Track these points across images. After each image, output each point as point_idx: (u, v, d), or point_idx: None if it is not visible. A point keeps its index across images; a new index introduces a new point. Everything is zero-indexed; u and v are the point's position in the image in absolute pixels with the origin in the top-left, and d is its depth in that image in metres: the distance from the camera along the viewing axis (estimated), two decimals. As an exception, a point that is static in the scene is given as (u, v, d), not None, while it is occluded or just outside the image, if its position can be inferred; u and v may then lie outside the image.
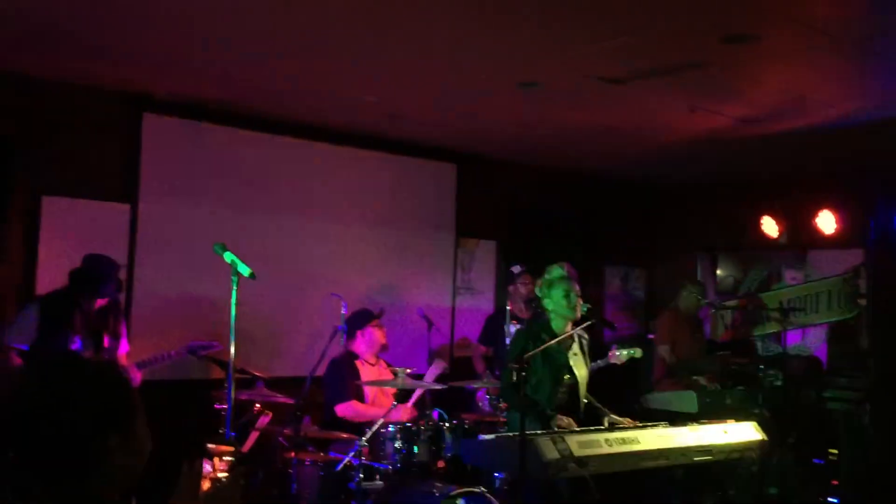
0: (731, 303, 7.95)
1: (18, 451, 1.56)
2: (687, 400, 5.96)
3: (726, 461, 4.47)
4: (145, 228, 5.55)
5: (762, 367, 6.42)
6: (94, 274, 4.53)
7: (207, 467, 1.85)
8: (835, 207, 6.91)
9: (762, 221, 7.32)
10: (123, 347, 4.81)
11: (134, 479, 1.64)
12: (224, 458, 1.79)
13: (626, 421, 4.41)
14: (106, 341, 4.57)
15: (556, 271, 4.47)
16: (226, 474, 1.84)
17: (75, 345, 4.44)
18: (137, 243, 5.52)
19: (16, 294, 5.13)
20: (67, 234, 5.18)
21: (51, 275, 5.05)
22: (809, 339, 7.59)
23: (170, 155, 5.70)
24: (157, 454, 1.74)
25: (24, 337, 4.37)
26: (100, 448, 1.57)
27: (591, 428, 4.18)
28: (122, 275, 5.35)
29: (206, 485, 1.85)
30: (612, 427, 4.26)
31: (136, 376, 4.61)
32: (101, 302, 4.61)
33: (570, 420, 4.27)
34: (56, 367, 1.64)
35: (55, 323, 4.40)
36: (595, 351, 4.73)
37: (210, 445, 1.75)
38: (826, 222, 6.95)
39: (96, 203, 5.38)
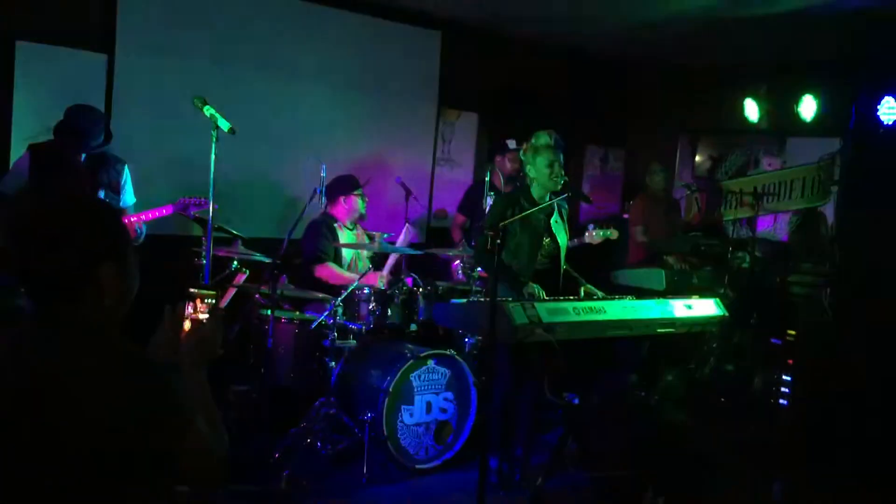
0: (705, 187, 8.05)
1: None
2: (655, 277, 6.12)
3: (687, 334, 4.64)
4: (123, 79, 5.43)
5: (731, 249, 6.56)
6: (80, 127, 4.45)
7: (189, 308, 1.90)
8: (818, 94, 6.91)
9: (744, 105, 7.31)
10: (129, 199, 4.80)
11: (125, 307, 1.70)
12: (205, 300, 1.86)
13: (599, 293, 4.54)
14: (100, 191, 4.53)
15: (543, 139, 4.48)
16: (206, 316, 1.90)
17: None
18: (114, 95, 5.42)
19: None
20: (42, 82, 5.07)
21: (26, 120, 4.99)
22: (780, 226, 7.74)
23: (147, 4, 5.52)
24: (141, 297, 1.79)
25: (16, 186, 4.34)
26: (95, 275, 1.61)
27: (561, 297, 4.31)
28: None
29: (187, 325, 1.91)
30: (583, 297, 4.40)
31: (143, 231, 4.69)
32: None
33: (538, 288, 4.38)
34: (52, 199, 1.66)
35: (47, 174, 4.35)
36: (571, 229, 4.81)
37: (191, 289, 1.80)
38: (807, 108, 6.96)
39: (72, 51, 5.24)
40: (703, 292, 5.25)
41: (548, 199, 4.48)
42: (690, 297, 4.68)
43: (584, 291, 4.51)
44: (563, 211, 4.66)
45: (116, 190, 4.69)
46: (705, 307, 4.67)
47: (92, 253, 1.61)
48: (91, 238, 1.61)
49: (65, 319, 1.60)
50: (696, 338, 5.42)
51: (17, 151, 4.80)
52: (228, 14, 5.87)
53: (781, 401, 5.78)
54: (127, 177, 4.77)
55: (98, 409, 1.49)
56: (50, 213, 1.61)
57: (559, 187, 4.47)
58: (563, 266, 4.62)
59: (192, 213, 4.73)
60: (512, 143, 6.32)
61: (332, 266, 5.22)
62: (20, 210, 1.64)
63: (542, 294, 4.33)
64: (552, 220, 4.53)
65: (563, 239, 4.58)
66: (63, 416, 1.49)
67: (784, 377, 6.00)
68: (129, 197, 4.80)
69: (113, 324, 1.67)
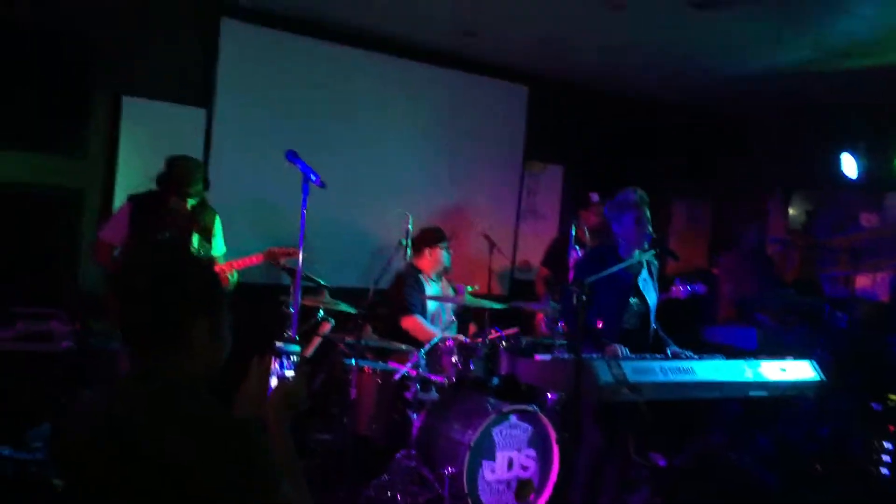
0: (801, 242, 7.78)
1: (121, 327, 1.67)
2: (747, 336, 5.93)
3: (781, 398, 4.45)
4: (220, 132, 5.66)
5: (827, 307, 6.31)
6: (180, 176, 4.60)
7: (275, 365, 1.92)
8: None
9: (840, 159, 7.08)
10: (219, 248, 4.87)
11: (214, 369, 1.74)
12: (292, 356, 1.87)
13: (687, 354, 4.40)
14: (194, 243, 4.65)
15: (630, 196, 4.41)
16: (292, 373, 1.92)
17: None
18: (212, 147, 5.64)
19: (97, 189, 5.33)
20: (145, 135, 5.32)
21: (129, 172, 5.23)
22: (880, 285, 7.41)
23: (247, 61, 5.76)
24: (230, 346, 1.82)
25: (116, 234, 4.52)
26: (188, 330, 1.65)
27: (647, 355, 4.20)
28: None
29: (273, 382, 1.93)
30: (669, 355, 4.27)
31: (234, 280, 4.74)
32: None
33: (623, 349, 4.28)
34: (161, 251, 1.72)
35: (145, 222, 4.51)
36: (660, 284, 4.70)
37: (279, 345, 1.83)
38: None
39: (174, 106, 5.49)
40: (798, 352, 5.05)
41: (636, 256, 4.39)
42: (785, 359, 4.49)
43: (670, 352, 4.37)
44: (653, 268, 4.56)
45: (208, 238, 4.82)
46: (801, 370, 4.47)
47: (186, 310, 1.65)
48: (187, 295, 1.66)
49: (156, 375, 1.64)
50: (791, 399, 5.19)
51: (121, 201, 5.01)
52: (320, 70, 6.07)
53: (882, 469, 5.48)
54: (218, 226, 4.90)
55: (185, 472, 1.51)
56: (149, 266, 1.67)
57: (646, 245, 4.38)
58: (653, 326, 4.50)
59: (281, 262, 4.81)
60: (596, 197, 6.27)
61: (418, 318, 5.24)
62: (122, 262, 1.70)
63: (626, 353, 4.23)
64: (640, 279, 4.43)
65: (652, 298, 4.47)
66: (151, 477, 1.51)
67: (885, 444, 5.70)
68: (220, 246, 4.93)
69: (203, 381, 1.70)
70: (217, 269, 4.56)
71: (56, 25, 5.06)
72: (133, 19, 5.34)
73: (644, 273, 4.46)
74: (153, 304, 1.63)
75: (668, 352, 4.36)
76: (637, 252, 4.39)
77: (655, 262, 4.62)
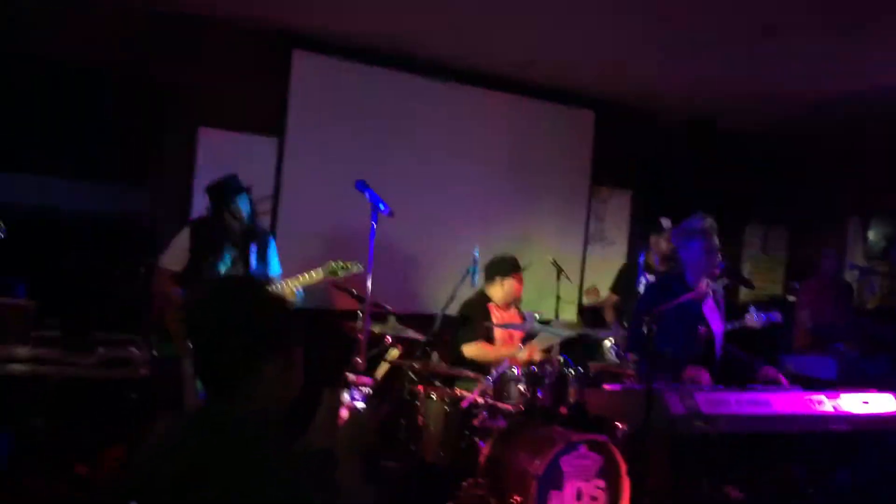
0: (881, 268, 7.51)
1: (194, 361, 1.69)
2: (825, 365, 5.73)
3: (865, 433, 4.29)
4: (291, 161, 5.78)
5: (910, 337, 6.07)
6: (223, 185, 4.66)
7: (346, 396, 1.93)
8: None
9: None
10: (275, 270, 4.88)
11: (286, 403, 1.75)
12: (362, 388, 1.87)
13: (782, 377, 4.28)
14: (252, 262, 4.71)
15: (698, 223, 4.33)
16: (363, 404, 1.92)
17: (223, 263, 4.60)
18: (283, 175, 5.75)
19: (173, 218, 5.48)
20: (220, 164, 5.45)
21: (204, 200, 5.35)
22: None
23: (317, 91, 5.88)
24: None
25: (176, 261, 4.59)
26: (261, 368, 1.67)
27: (722, 386, 4.10)
28: (269, 205, 5.62)
29: (344, 413, 1.94)
30: (744, 386, 4.15)
31: (300, 295, 4.73)
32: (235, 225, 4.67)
33: (705, 371, 4.19)
34: (226, 290, 1.74)
35: (205, 246, 4.58)
36: (732, 311, 4.59)
37: (350, 375, 1.83)
38: None
39: (247, 135, 5.63)
40: (880, 384, 4.85)
41: (703, 284, 4.31)
42: (868, 391, 4.33)
43: (763, 379, 4.25)
44: (719, 295, 4.47)
45: (265, 260, 4.84)
46: (885, 403, 4.30)
47: (258, 349, 1.66)
48: (258, 335, 1.66)
49: (227, 410, 1.65)
50: (876, 435, 4.99)
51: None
52: (387, 98, 6.16)
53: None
54: (273, 249, 4.92)
55: None
56: (221, 304, 1.68)
57: (715, 273, 4.29)
58: (719, 354, 4.40)
59: (340, 276, 4.84)
60: (667, 223, 6.17)
61: (483, 345, 5.22)
62: (194, 299, 1.73)
63: (704, 379, 4.14)
64: (706, 307, 4.34)
65: (718, 326, 4.38)
66: None
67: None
68: (275, 267, 4.95)
69: (274, 418, 1.72)
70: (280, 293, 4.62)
71: (137, 64, 5.25)
72: (210, 54, 5.51)
73: (710, 301, 4.37)
74: (224, 344, 1.65)
75: (762, 375, 4.25)
76: (704, 281, 4.31)
77: (721, 289, 4.52)
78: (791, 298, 6.97)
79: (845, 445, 5.26)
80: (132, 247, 5.48)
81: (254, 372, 1.66)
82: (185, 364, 4.21)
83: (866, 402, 4.22)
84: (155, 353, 4.30)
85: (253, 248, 4.73)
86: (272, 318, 1.71)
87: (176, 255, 4.61)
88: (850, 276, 7.46)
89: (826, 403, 4.08)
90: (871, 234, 8.11)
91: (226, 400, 1.66)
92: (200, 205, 5.40)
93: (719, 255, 4.30)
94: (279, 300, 1.84)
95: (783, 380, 4.28)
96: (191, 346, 1.68)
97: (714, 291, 4.42)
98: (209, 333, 1.66)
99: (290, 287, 4.72)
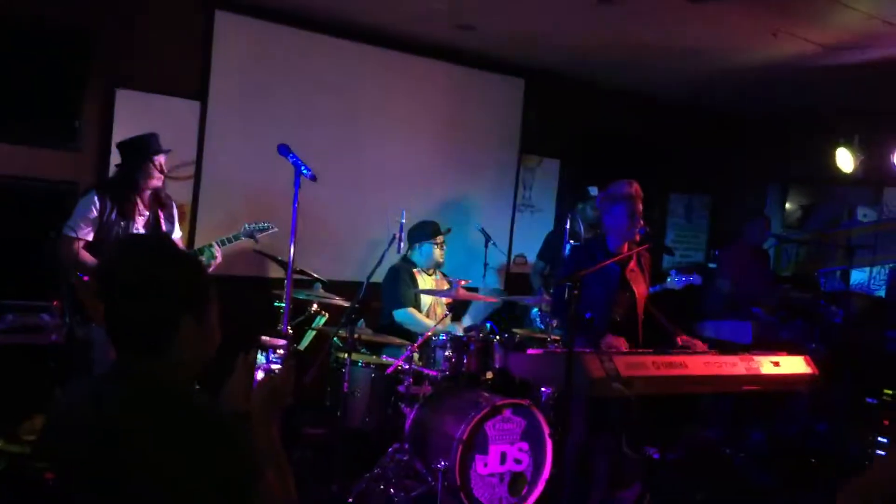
0: (798, 237, 7.78)
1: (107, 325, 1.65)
2: (741, 330, 5.92)
3: (775, 393, 4.46)
4: (213, 126, 5.64)
5: (823, 302, 6.31)
6: (141, 143, 4.48)
7: (262, 357, 1.91)
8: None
9: (837, 154, 7.06)
10: (177, 231, 4.76)
11: (204, 365, 1.73)
12: (278, 351, 1.85)
13: (698, 343, 4.40)
14: (163, 224, 4.59)
15: (622, 188, 4.41)
16: (278, 367, 1.90)
17: (136, 228, 4.45)
18: (206, 140, 5.62)
19: (90, 182, 5.30)
20: (139, 127, 5.28)
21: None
22: (876, 279, 7.41)
23: (240, 54, 5.74)
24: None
25: (87, 225, 4.35)
26: (175, 331, 1.64)
27: (639, 350, 4.21)
28: (191, 170, 5.50)
29: (259, 375, 1.92)
30: (660, 350, 4.27)
31: (218, 256, 4.61)
32: (155, 183, 4.51)
33: (623, 340, 4.29)
34: (140, 249, 1.70)
35: (114, 208, 4.39)
36: (653, 276, 4.70)
37: (264, 338, 1.81)
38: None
39: (168, 98, 5.47)
40: (793, 347, 5.05)
41: (626, 249, 4.39)
42: (779, 353, 4.50)
43: (681, 341, 4.36)
44: (642, 258, 4.56)
45: (173, 224, 4.69)
46: (794, 365, 4.48)
47: (173, 305, 1.63)
48: (173, 290, 1.64)
49: (142, 372, 1.63)
50: (785, 394, 5.20)
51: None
52: (314, 63, 6.05)
53: (878, 464, 5.47)
54: (175, 215, 4.74)
55: (169, 468, 1.51)
56: (135, 262, 1.65)
57: (637, 238, 4.38)
58: (640, 316, 4.51)
59: (257, 238, 4.77)
60: (594, 191, 6.25)
61: (411, 311, 5.24)
62: (107, 259, 1.69)
63: (622, 346, 4.24)
64: (628, 269, 4.44)
65: (641, 290, 4.48)
66: (134, 472, 1.51)
67: (880, 439, 5.70)
68: (177, 232, 4.81)
69: (189, 378, 1.70)
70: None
71: (49, 19, 5.03)
72: (127, 12, 5.32)
73: (632, 263, 4.46)
74: (138, 300, 1.62)
75: (679, 341, 4.36)
76: (627, 246, 4.40)
77: (647, 255, 4.62)
78: (711, 265, 7.17)
79: (760, 406, 5.47)
80: (48, 213, 5.29)
81: (168, 329, 1.63)
82: (95, 329, 4.09)
83: (777, 364, 4.38)
84: (73, 319, 4.16)
85: (160, 213, 4.60)
86: (184, 274, 1.68)
87: (84, 222, 4.36)
88: (768, 243, 7.70)
89: (739, 365, 4.23)
90: (789, 204, 8.39)
91: (142, 359, 1.63)
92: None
93: (641, 221, 4.38)
94: (190, 257, 1.82)
95: (700, 345, 4.41)
96: (104, 305, 1.64)
97: (638, 255, 4.51)
98: (122, 290, 1.63)
99: (205, 249, 4.61)
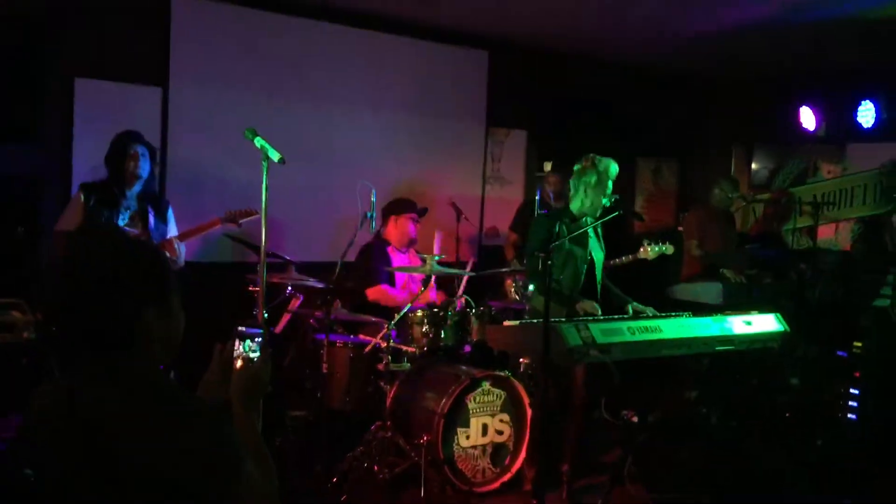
0: (763, 196, 7.86)
1: (60, 325, 1.62)
2: (712, 291, 5.99)
3: (748, 351, 4.53)
4: (176, 111, 5.57)
5: (791, 260, 6.40)
6: (124, 138, 4.52)
7: (239, 347, 1.90)
8: (877, 99, 6.72)
9: (800, 113, 7.14)
10: (172, 231, 4.74)
11: (173, 351, 1.71)
12: (255, 338, 1.84)
13: (649, 310, 4.46)
14: (151, 221, 4.57)
15: (588, 159, 4.45)
16: (257, 354, 1.89)
17: (122, 223, 4.46)
18: (169, 126, 5.55)
19: (54, 175, 5.23)
20: (100, 117, 5.21)
21: (85, 156, 5.12)
22: (842, 235, 7.53)
23: (199, 38, 5.65)
24: (195, 327, 1.80)
25: (72, 223, 4.39)
26: (138, 323, 1.61)
27: (615, 316, 4.25)
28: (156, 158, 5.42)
29: (238, 363, 1.91)
30: (636, 315, 4.32)
31: (182, 250, 4.59)
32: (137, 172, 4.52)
33: (594, 304, 4.33)
34: (96, 243, 1.66)
35: (100, 206, 4.42)
36: (625, 244, 4.73)
37: (240, 327, 1.80)
38: (866, 114, 6.77)
39: (128, 86, 5.38)
40: (764, 306, 5.12)
41: (597, 215, 4.43)
42: (750, 313, 4.56)
43: (633, 310, 4.43)
44: (598, 227, 4.60)
45: (164, 221, 4.70)
46: (766, 322, 4.55)
47: (134, 298, 1.60)
48: (132, 283, 1.60)
49: (112, 369, 1.60)
50: (759, 352, 5.28)
51: (78, 184, 4.92)
52: (277, 43, 5.98)
53: (850, 415, 5.60)
54: (171, 215, 4.78)
55: (150, 463, 1.50)
56: (88, 259, 1.60)
57: (601, 207, 4.42)
58: (600, 282, 4.56)
59: (240, 222, 4.73)
60: (548, 166, 6.30)
61: (384, 287, 5.24)
62: (58, 259, 1.64)
63: (598, 310, 4.28)
64: (588, 237, 4.49)
65: (598, 255, 4.53)
66: (115, 469, 1.50)
67: (851, 391, 5.82)
68: (173, 230, 4.79)
69: (160, 369, 1.68)
70: (167, 241, 4.51)
71: (2, 7, 4.92)
72: (84, 1, 5.21)
73: (591, 231, 4.50)
74: (96, 302, 1.57)
75: (629, 309, 4.42)
76: (599, 212, 4.43)
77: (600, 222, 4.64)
78: (680, 229, 7.23)
79: (736, 366, 5.55)
80: (12, 208, 5.21)
81: (132, 323, 1.60)
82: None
83: (750, 323, 4.44)
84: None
85: (150, 210, 4.58)
86: (142, 265, 1.64)
87: (72, 217, 4.42)
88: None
89: (713, 326, 4.28)
90: (754, 164, 8.47)
91: (109, 356, 1.61)
92: (81, 161, 5.17)
93: (608, 191, 4.42)
94: (147, 245, 1.79)
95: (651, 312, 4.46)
96: (57, 306, 1.60)
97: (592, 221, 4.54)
98: (80, 289, 1.58)
99: (173, 243, 4.57)
